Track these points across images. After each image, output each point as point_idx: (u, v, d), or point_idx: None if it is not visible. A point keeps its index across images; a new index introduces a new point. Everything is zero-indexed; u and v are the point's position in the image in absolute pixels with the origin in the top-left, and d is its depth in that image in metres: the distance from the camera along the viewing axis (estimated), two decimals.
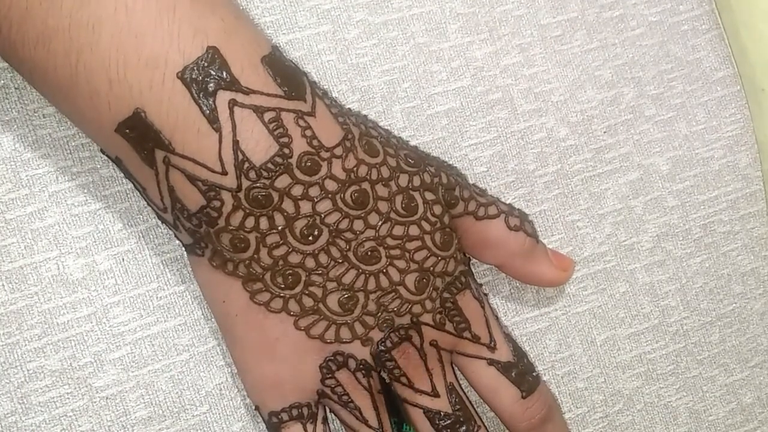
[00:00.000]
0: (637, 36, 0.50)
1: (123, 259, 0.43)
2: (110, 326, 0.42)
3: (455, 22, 0.47)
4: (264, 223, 0.36)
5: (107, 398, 0.42)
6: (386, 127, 0.44)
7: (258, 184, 0.35)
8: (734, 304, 0.51)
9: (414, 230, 0.39)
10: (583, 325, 0.49)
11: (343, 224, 0.37)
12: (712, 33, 0.51)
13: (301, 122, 0.36)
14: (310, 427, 0.40)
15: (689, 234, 0.50)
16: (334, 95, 0.44)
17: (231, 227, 0.36)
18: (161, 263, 0.43)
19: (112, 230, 0.43)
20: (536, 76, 0.48)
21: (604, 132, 0.49)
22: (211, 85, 0.34)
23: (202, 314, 0.43)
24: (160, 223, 0.43)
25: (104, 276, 0.42)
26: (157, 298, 0.43)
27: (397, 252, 0.39)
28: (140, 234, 0.43)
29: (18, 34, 0.34)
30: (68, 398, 0.42)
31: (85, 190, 0.42)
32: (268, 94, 0.35)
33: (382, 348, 0.39)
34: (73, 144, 0.42)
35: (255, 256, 0.37)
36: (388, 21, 0.46)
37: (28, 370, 0.41)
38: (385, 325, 0.39)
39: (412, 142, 0.46)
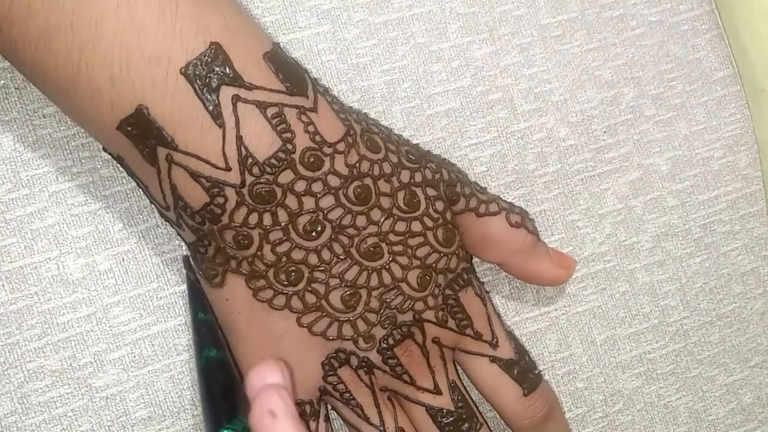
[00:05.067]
0: (637, 36, 0.50)
1: (123, 259, 0.43)
2: (110, 326, 0.42)
3: (455, 22, 0.47)
4: (267, 219, 0.36)
5: (107, 398, 0.42)
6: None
7: (261, 180, 0.35)
8: (734, 304, 0.51)
9: (416, 226, 0.39)
10: (583, 325, 0.49)
11: (346, 220, 0.37)
12: (712, 33, 0.52)
13: (304, 118, 0.36)
14: (312, 424, 0.40)
15: (689, 234, 0.51)
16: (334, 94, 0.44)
17: (234, 224, 0.36)
18: (161, 263, 0.43)
19: (112, 230, 0.42)
20: (536, 76, 0.48)
21: (604, 132, 0.49)
22: (215, 80, 0.34)
23: None
24: (160, 223, 0.43)
25: (104, 276, 0.42)
26: (157, 298, 0.43)
27: (399, 248, 0.39)
28: (140, 234, 0.43)
29: (19, 33, 0.34)
30: (68, 398, 0.42)
31: (85, 190, 0.42)
32: (270, 90, 0.35)
33: (385, 345, 0.39)
34: (73, 144, 0.42)
35: (258, 252, 0.37)
36: (388, 21, 0.46)
37: (28, 370, 0.41)
38: (387, 322, 0.39)
39: (413, 142, 0.46)
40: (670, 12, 0.51)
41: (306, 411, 0.40)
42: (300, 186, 0.36)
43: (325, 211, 0.37)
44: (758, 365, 0.52)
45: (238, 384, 0.38)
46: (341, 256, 0.38)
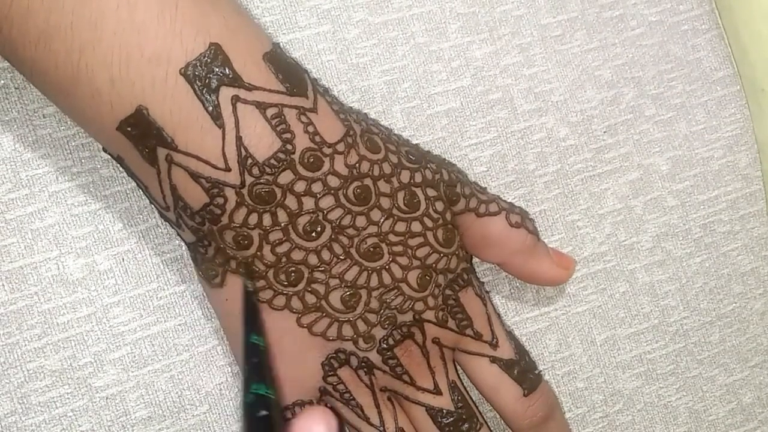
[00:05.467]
0: (637, 36, 0.50)
1: (123, 259, 0.43)
2: (110, 326, 0.42)
3: (455, 22, 0.47)
4: (267, 219, 0.36)
5: (107, 398, 0.42)
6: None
7: (261, 180, 0.35)
8: (734, 304, 0.51)
9: (416, 226, 0.39)
10: (583, 325, 0.49)
11: (346, 220, 0.37)
12: (712, 33, 0.52)
13: (303, 118, 0.36)
14: None
15: (689, 234, 0.50)
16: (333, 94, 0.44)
17: (234, 224, 0.36)
18: (161, 263, 0.43)
19: (112, 230, 0.42)
20: (536, 76, 0.48)
21: (604, 132, 0.49)
22: (214, 81, 0.34)
23: (202, 314, 0.43)
24: (160, 223, 0.43)
25: (104, 276, 0.42)
26: (157, 298, 0.43)
27: (399, 248, 0.39)
28: (140, 234, 0.43)
29: (19, 33, 0.34)
30: (68, 398, 0.42)
31: (85, 190, 0.42)
32: (270, 91, 0.35)
33: (385, 345, 0.39)
34: (73, 144, 0.42)
35: (258, 253, 0.37)
36: (388, 21, 0.46)
37: (28, 370, 0.41)
38: (387, 322, 0.39)
39: (413, 142, 0.46)
40: (670, 12, 0.51)
41: None
42: (300, 186, 0.36)
43: (325, 212, 0.37)
44: (758, 365, 0.52)
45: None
46: (341, 257, 0.38)
